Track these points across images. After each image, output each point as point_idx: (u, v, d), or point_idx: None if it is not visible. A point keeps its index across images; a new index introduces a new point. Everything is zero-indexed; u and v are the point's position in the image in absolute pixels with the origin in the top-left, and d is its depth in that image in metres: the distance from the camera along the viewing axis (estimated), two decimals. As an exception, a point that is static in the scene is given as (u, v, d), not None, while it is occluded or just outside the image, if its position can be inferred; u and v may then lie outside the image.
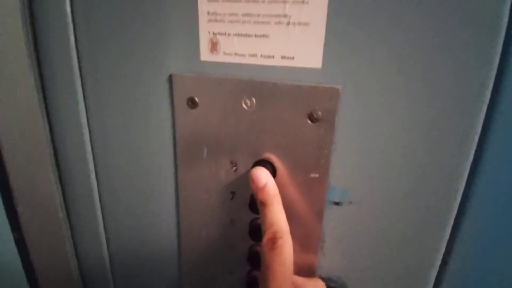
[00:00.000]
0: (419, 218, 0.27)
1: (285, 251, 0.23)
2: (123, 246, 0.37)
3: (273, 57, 0.25)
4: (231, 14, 0.25)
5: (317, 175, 0.27)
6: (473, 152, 0.24)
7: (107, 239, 0.37)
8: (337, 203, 0.28)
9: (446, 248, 0.28)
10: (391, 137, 0.25)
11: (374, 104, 0.24)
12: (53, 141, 0.33)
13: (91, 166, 0.33)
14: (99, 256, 0.37)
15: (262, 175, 0.25)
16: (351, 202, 0.28)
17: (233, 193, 0.30)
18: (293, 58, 0.25)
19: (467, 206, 0.26)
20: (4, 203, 0.34)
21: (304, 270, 0.30)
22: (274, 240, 0.23)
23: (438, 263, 0.28)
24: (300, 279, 0.28)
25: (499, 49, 0.21)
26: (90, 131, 0.32)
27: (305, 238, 0.29)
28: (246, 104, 0.27)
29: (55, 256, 0.37)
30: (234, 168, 0.29)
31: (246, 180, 0.28)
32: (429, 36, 0.22)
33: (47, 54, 0.30)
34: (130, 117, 0.30)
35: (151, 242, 0.35)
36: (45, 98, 0.31)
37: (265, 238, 0.24)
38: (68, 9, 0.28)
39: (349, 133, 0.26)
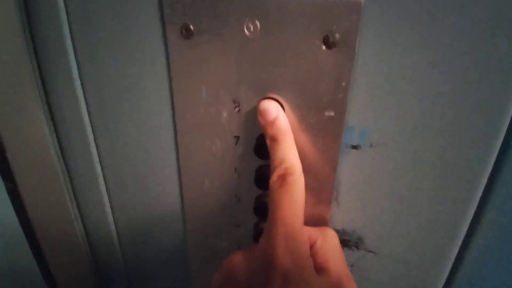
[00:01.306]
0: (449, 168, 0.23)
1: (296, 189, 0.20)
2: (125, 202, 0.35)
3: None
4: None
5: (332, 113, 0.23)
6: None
7: (109, 195, 0.35)
8: (354, 147, 0.24)
9: (478, 205, 0.24)
10: (421, 70, 0.21)
11: (405, 27, 0.20)
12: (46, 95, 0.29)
13: (86, 117, 0.30)
14: (102, 212, 0.35)
15: (272, 107, 0.22)
16: (371, 145, 0.24)
17: (236, 137, 0.26)
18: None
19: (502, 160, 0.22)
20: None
21: (315, 222, 0.27)
22: (284, 177, 0.20)
23: (465, 221, 0.25)
24: (309, 228, 0.25)
25: None
26: (81, 77, 0.28)
27: (318, 187, 0.26)
28: (248, 29, 0.22)
29: (58, 216, 0.35)
30: (237, 109, 0.25)
31: (251, 122, 0.25)
32: None
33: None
34: (121, 57, 0.26)
35: (153, 198, 0.33)
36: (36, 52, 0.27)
37: (275, 175, 0.21)
38: None
39: (373, 62, 0.21)
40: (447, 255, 0.28)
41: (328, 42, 0.21)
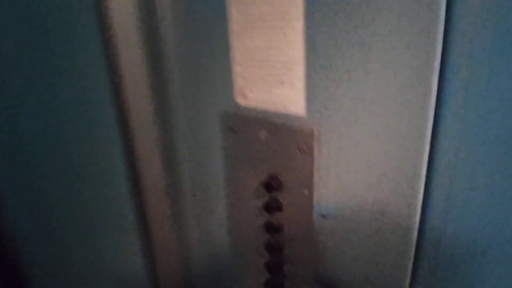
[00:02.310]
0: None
1: None
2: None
3: (278, 105, 0.35)
4: (254, 76, 0.36)
5: (306, 192, 0.36)
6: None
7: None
8: (324, 216, 0.36)
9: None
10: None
11: (346, 144, 0.32)
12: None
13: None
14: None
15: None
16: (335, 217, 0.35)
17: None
18: (288, 107, 0.35)
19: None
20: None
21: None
22: None
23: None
24: None
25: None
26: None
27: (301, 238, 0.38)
28: (262, 135, 0.38)
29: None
30: (258, 178, 0.41)
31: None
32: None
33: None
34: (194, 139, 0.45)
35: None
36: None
37: None
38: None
39: (326, 162, 0.34)
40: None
41: (300, 151, 0.34)
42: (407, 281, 0.32)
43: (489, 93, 0.24)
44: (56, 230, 0.70)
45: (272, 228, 0.41)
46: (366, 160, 0.31)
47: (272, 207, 0.39)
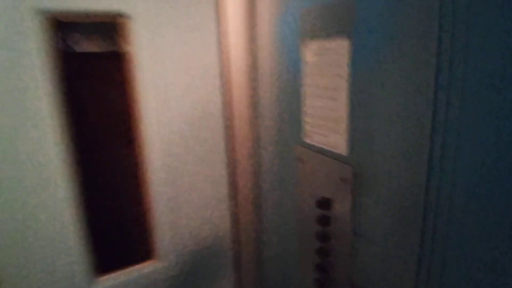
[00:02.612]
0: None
1: None
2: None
3: (330, 146, 0.50)
4: (316, 125, 0.52)
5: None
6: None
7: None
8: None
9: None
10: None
11: (376, 177, 0.44)
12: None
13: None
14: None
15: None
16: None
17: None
18: (336, 148, 0.49)
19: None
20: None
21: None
22: None
23: None
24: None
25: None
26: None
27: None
28: (319, 165, 0.53)
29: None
30: (315, 197, 0.55)
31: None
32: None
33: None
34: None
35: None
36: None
37: None
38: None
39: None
40: None
41: (342, 180, 0.48)
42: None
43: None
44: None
45: (321, 237, 0.54)
46: (390, 192, 0.43)
47: (322, 221, 0.53)
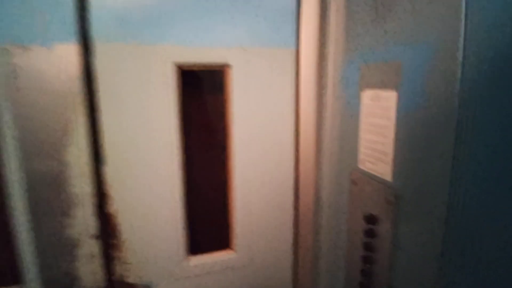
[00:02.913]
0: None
1: None
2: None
3: (378, 172, 0.63)
4: (368, 155, 0.65)
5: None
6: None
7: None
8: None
9: None
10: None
11: (418, 201, 0.56)
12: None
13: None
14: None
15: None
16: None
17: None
18: (384, 175, 0.61)
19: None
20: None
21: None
22: None
23: None
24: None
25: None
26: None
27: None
28: (369, 188, 0.65)
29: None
30: (364, 213, 0.67)
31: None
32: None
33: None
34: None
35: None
36: None
37: None
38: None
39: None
40: None
41: (387, 202, 0.60)
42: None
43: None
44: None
45: (367, 247, 0.66)
46: (424, 213, 0.54)
47: (368, 233, 0.65)
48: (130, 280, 0.76)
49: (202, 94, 0.80)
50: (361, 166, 0.68)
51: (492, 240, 0.43)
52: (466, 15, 0.45)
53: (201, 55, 0.72)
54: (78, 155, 0.67)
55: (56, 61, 0.64)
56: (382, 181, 0.62)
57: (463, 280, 0.48)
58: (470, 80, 0.45)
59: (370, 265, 0.66)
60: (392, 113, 0.59)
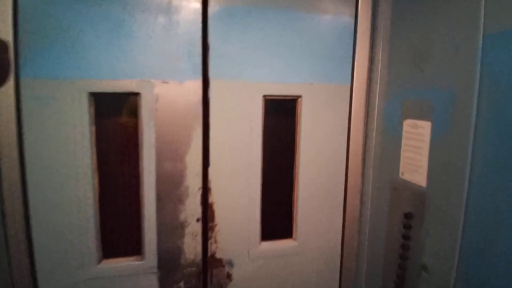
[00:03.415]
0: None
1: None
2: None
3: (415, 181, 0.86)
4: (407, 168, 0.89)
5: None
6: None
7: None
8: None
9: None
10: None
11: (448, 205, 0.79)
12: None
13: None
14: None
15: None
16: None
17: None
18: (420, 182, 0.84)
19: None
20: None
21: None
22: None
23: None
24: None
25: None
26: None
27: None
28: (407, 192, 0.88)
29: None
30: (404, 211, 0.90)
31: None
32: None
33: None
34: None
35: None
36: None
37: None
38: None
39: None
40: None
41: (421, 204, 0.83)
42: None
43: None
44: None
45: (405, 237, 0.88)
46: (448, 213, 0.76)
47: (406, 226, 0.87)
48: (218, 256, 1.00)
49: (278, 117, 1.05)
50: (400, 176, 0.91)
51: (505, 236, 0.65)
52: (481, 65, 0.69)
53: (282, 89, 0.98)
54: (194, 159, 0.93)
55: (185, 92, 0.91)
56: (418, 187, 0.85)
57: (479, 257, 0.70)
58: (483, 118, 0.68)
59: (407, 250, 0.88)
60: (426, 138, 0.82)
